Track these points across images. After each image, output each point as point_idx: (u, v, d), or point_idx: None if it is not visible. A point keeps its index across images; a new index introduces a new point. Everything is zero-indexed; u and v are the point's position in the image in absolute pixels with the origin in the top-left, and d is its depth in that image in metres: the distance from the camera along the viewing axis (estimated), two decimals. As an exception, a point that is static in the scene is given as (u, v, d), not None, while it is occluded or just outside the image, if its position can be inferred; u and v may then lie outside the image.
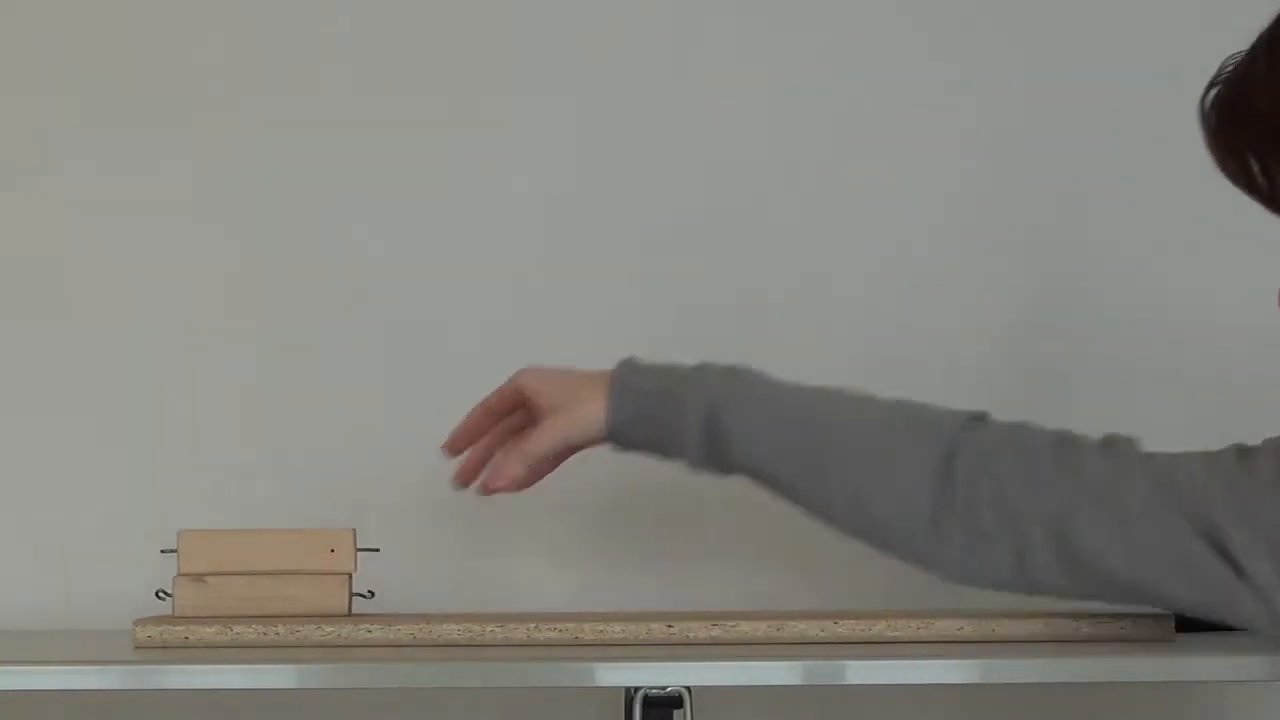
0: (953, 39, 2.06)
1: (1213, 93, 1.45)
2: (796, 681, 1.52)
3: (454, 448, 1.65)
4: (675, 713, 1.46)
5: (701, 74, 2.04)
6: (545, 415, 1.59)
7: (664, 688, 1.46)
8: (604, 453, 1.61)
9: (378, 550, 1.68)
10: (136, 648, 1.59)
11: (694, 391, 1.55)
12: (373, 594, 1.67)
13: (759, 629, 1.60)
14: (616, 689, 1.48)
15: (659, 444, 1.57)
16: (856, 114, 2.04)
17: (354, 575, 1.67)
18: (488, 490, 1.61)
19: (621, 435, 1.58)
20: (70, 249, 2.02)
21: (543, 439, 1.59)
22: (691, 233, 2.03)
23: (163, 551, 1.66)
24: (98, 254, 2.02)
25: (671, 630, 1.60)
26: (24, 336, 2.01)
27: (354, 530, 1.67)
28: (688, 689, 1.45)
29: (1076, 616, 1.61)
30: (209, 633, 1.60)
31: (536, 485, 1.64)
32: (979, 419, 1.52)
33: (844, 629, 1.60)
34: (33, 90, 2.03)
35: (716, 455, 1.55)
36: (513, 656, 1.53)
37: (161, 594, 1.65)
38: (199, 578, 1.65)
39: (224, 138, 2.02)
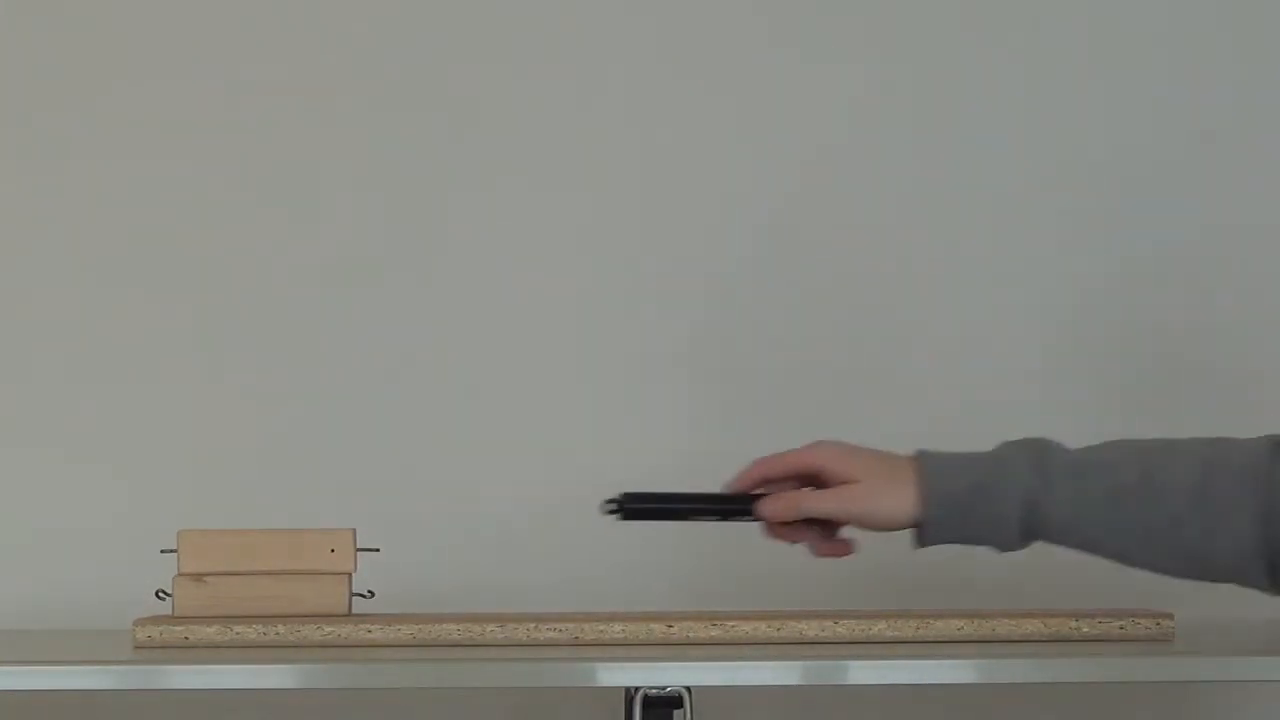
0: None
1: None
2: (796, 681, 1.52)
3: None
4: (675, 713, 1.46)
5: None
6: (842, 486, 1.56)
7: (664, 688, 1.45)
8: (602, 452, 1.61)
9: (378, 550, 1.68)
10: (136, 648, 1.59)
11: (1007, 486, 1.53)
12: (373, 594, 1.66)
13: (759, 629, 1.60)
14: (616, 689, 1.48)
15: (969, 538, 1.56)
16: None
17: (354, 575, 1.67)
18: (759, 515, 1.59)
19: (929, 533, 1.56)
20: (72, 249, 2.02)
21: (832, 506, 1.56)
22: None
23: (163, 551, 1.65)
24: (99, 255, 2.02)
25: (671, 630, 1.60)
26: (24, 336, 2.01)
27: (354, 530, 1.67)
28: (688, 689, 1.45)
29: (1076, 616, 1.61)
30: (209, 633, 1.60)
31: (537, 485, 1.63)
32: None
33: (844, 629, 1.60)
34: (34, 90, 2.03)
35: (1032, 538, 1.55)
36: (513, 656, 1.53)
37: (161, 594, 1.65)
38: (199, 578, 1.65)
39: (223, 140, 2.02)
